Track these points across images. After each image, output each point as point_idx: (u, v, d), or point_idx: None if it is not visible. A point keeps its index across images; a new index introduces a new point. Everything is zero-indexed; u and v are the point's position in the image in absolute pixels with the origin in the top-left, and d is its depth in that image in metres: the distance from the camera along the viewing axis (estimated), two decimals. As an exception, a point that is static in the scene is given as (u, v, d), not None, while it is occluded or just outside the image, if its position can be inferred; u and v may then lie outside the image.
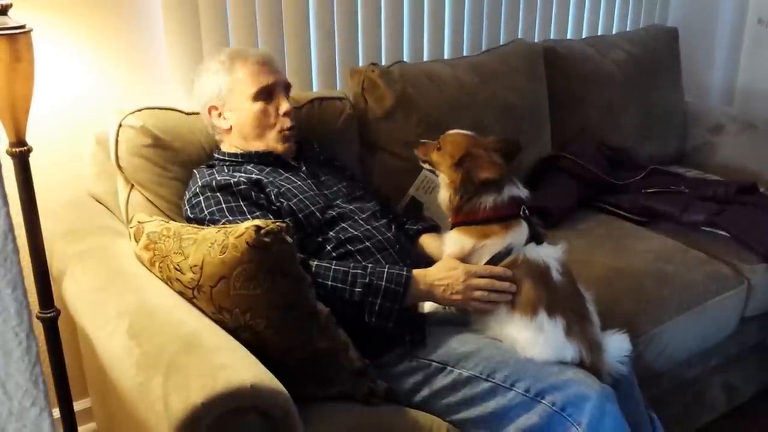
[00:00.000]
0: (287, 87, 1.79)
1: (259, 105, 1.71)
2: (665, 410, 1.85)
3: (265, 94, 1.72)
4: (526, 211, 1.56)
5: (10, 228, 0.57)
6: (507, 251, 1.51)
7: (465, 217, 1.54)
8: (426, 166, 1.67)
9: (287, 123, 1.74)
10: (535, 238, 1.55)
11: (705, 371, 2.17)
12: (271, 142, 1.74)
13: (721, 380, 2.24)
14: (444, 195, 1.58)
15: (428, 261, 1.69)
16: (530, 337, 1.46)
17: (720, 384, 2.24)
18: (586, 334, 1.49)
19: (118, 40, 1.95)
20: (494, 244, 1.52)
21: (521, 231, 1.53)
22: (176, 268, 1.37)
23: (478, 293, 1.49)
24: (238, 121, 1.73)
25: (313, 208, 1.62)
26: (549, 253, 1.53)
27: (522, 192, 1.56)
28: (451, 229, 1.58)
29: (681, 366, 2.05)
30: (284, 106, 1.74)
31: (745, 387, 2.33)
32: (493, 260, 1.52)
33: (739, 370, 2.29)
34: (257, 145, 1.74)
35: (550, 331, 1.46)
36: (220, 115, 1.74)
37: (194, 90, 1.78)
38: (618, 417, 1.39)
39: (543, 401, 1.38)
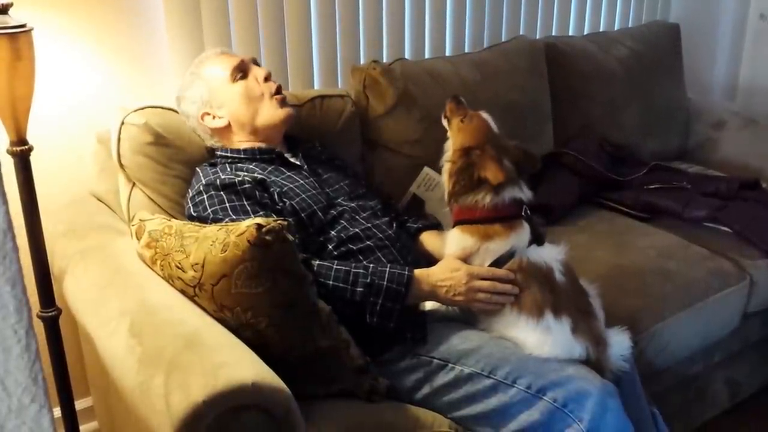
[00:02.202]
0: (255, 61, 1.82)
1: (239, 84, 1.73)
2: (667, 406, 1.85)
3: (240, 72, 1.74)
4: (528, 211, 1.56)
5: (10, 226, 0.57)
6: (509, 254, 1.51)
7: (465, 215, 1.54)
8: (444, 122, 1.65)
9: (273, 86, 1.75)
10: (536, 239, 1.54)
11: (707, 367, 2.16)
12: (269, 113, 1.73)
13: (723, 376, 2.24)
14: (444, 177, 1.57)
15: (429, 259, 1.69)
16: (538, 339, 1.46)
17: (723, 380, 2.24)
18: (591, 330, 1.50)
19: (119, 37, 1.95)
20: (497, 246, 1.51)
21: (523, 233, 1.52)
22: (178, 267, 1.37)
23: (480, 295, 1.49)
24: (231, 112, 1.73)
25: (315, 207, 1.61)
26: (551, 255, 1.53)
27: (525, 194, 1.55)
28: (453, 226, 1.58)
29: (683, 362, 2.05)
30: (261, 73, 1.76)
31: (748, 383, 2.32)
32: (496, 263, 1.51)
33: (741, 366, 2.28)
34: (261, 122, 1.73)
35: (557, 332, 1.46)
36: (213, 117, 1.74)
37: (182, 112, 1.79)
38: (620, 413, 1.38)
39: (544, 398, 1.37)
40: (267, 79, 1.76)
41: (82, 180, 1.90)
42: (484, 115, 1.60)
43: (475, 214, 1.51)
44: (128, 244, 1.58)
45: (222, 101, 1.73)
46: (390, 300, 1.46)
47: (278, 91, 1.76)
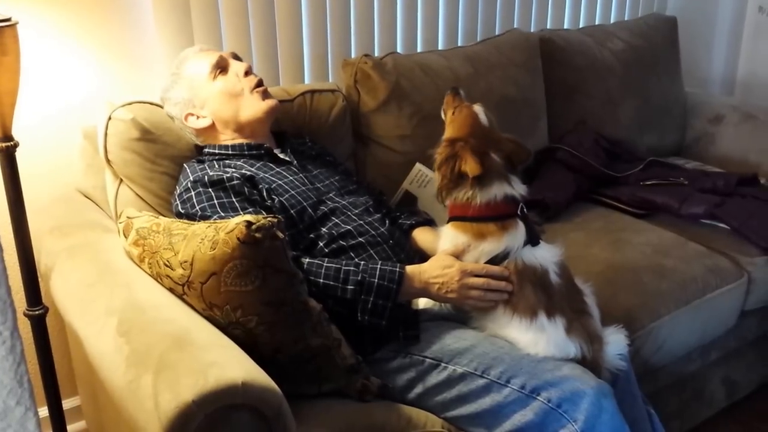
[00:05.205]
0: (235, 56, 1.79)
1: (219, 81, 1.71)
2: (664, 406, 1.84)
3: (219, 69, 1.72)
4: (524, 209, 1.53)
5: (-7, 226, 0.56)
6: (504, 255, 1.49)
7: (459, 211, 1.52)
8: (443, 114, 1.63)
9: (253, 80, 1.73)
10: (532, 238, 1.52)
11: (704, 366, 2.15)
12: (251, 107, 1.71)
13: (721, 375, 2.23)
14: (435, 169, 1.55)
15: (422, 255, 1.67)
16: (532, 338, 1.44)
17: (720, 379, 2.23)
18: (586, 328, 1.49)
19: (107, 32, 1.93)
20: (490, 247, 1.49)
21: (517, 233, 1.49)
22: (166, 264, 1.36)
23: (473, 292, 1.47)
24: (213, 110, 1.71)
25: (305, 204, 1.60)
26: (546, 257, 1.51)
27: (517, 190, 1.52)
28: (448, 221, 1.56)
29: (680, 361, 2.04)
30: (242, 67, 1.73)
31: (745, 382, 2.31)
32: (491, 263, 1.49)
33: (739, 364, 2.27)
34: (244, 117, 1.70)
35: (551, 331, 1.45)
36: (197, 117, 1.73)
37: (167, 113, 1.77)
38: (615, 413, 1.37)
39: (538, 398, 1.36)
40: (247, 73, 1.73)
41: (68, 176, 1.89)
42: (476, 107, 1.57)
43: (468, 212, 1.49)
44: (116, 241, 1.57)
45: (203, 100, 1.71)
46: (381, 297, 1.44)
47: (259, 84, 1.74)
